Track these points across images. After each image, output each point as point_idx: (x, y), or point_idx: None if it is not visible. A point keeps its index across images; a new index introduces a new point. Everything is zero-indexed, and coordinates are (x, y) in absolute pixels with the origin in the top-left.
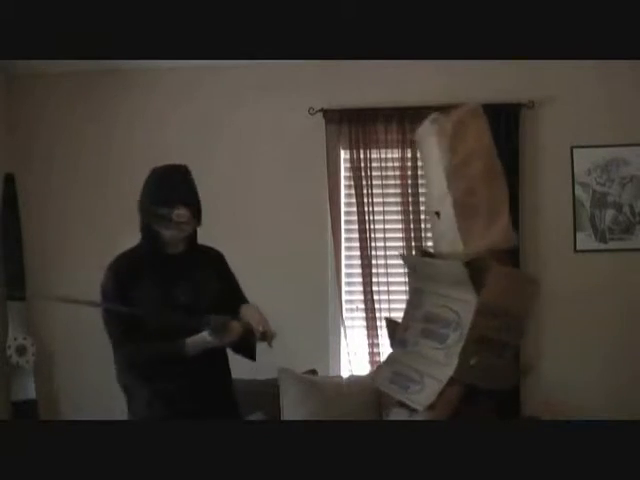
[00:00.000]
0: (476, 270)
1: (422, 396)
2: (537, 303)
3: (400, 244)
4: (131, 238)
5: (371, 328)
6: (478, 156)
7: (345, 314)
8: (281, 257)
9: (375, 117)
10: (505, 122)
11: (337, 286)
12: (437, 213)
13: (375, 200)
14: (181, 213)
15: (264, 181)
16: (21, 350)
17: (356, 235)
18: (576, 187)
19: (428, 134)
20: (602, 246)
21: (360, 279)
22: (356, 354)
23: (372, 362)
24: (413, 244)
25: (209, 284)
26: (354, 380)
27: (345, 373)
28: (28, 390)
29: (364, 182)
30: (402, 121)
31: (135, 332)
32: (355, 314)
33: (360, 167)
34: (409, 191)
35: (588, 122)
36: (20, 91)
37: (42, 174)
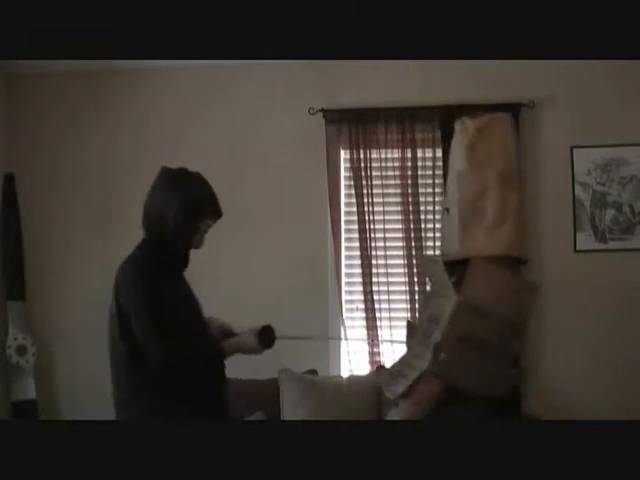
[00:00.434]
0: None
1: (399, 387)
2: (537, 304)
3: (400, 244)
4: (132, 238)
5: (371, 328)
6: (496, 162)
7: (345, 314)
8: (281, 257)
9: (375, 117)
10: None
11: (337, 286)
12: (447, 209)
13: (375, 200)
14: (210, 223)
15: (264, 181)
16: (21, 350)
17: (356, 235)
18: (576, 187)
19: (455, 133)
20: (602, 246)
21: (360, 279)
22: (356, 354)
23: (372, 362)
24: (413, 244)
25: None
26: (354, 380)
27: (345, 373)
28: (28, 390)
29: (364, 182)
30: (402, 121)
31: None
32: (355, 314)
33: (360, 167)
34: (409, 191)
35: (588, 122)
36: (20, 91)
37: (42, 174)
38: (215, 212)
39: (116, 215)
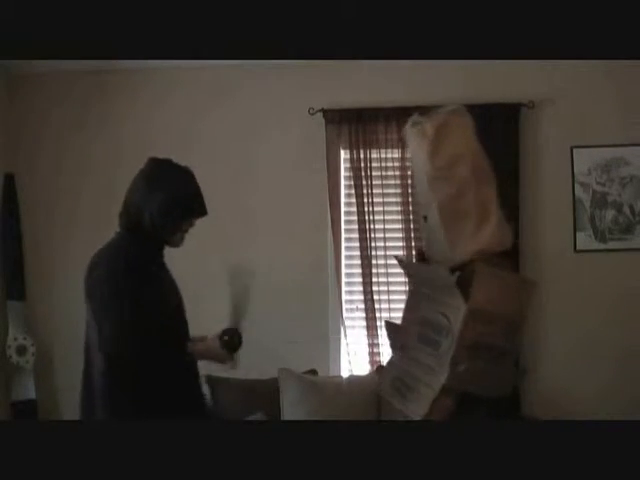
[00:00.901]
0: (467, 274)
1: (418, 405)
2: (537, 304)
3: (400, 244)
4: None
5: (371, 328)
6: (464, 159)
7: (345, 314)
8: (281, 257)
9: (375, 117)
10: (505, 122)
11: (337, 286)
12: (425, 217)
13: (375, 200)
14: (193, 222)
15: (264, 181)
16: (21, 350)
17: (356, 235)
18: (576, 187)
19: (410, 137)
20: (602, 246)
21: (360, 279)
22: (356, 354)
23: (372, 362)
24: (413, 244)
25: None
26: (354, 380)
27: (345, 373)
28: (28, 390)
29: (364, 182)
30: (402, 121)
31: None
32: (355, 314)
33: (360, 167)
34: (409, 191)
35: (588, 122)
36: (20, 91)
37: (42, 174)
38: (199, 211)
39: (116, 215)
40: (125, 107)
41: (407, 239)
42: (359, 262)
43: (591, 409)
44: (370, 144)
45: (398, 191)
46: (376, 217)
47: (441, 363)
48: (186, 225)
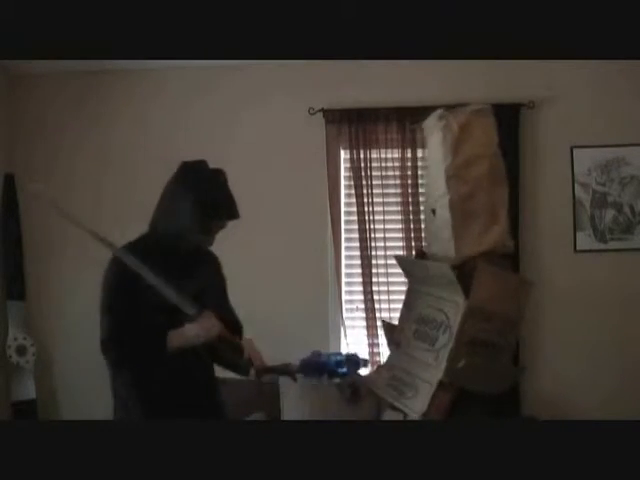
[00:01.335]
0: (467, 272)
1: (416, 402)
2: (536, 303)
3: (400, 244)
4: (131, 238)
5: (371, 328)
6: (482, 159)
7: (345, 314)
8: (281, 257)
9: (375, 117)
10: (505, 122)
11: (337, 286)
12: (433, 211)
13: (375, 200)
14: (224, 225)
15: (264, 181)
16: (21, 350)
17: (356, 235)
18: (576, 187)
19: (434, 130)
20: (602, 246)
21: (360, 279)
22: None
23: (372, 362)
24: (413, 244)
25: (209, 282)
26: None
27: None
28: (28, 390)
29: (364, 182)
30: (402, 121)
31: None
32: (355, 314)
33: (360, 167)
34: (409, 191)
35: (588, 122)
36: (20, 91)
37: (42, 174)
38: (229, 213)
39: (116, 215)
40: (125, 107)
41: (407, 239)
42: (359, 262)
43: (591, 409)
44: (370, 144)
45: (398, 191)
46: (376, 217)
47: (438, 358)
48: (217, 227)
